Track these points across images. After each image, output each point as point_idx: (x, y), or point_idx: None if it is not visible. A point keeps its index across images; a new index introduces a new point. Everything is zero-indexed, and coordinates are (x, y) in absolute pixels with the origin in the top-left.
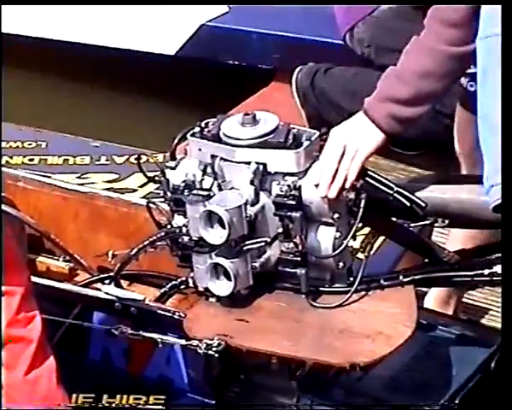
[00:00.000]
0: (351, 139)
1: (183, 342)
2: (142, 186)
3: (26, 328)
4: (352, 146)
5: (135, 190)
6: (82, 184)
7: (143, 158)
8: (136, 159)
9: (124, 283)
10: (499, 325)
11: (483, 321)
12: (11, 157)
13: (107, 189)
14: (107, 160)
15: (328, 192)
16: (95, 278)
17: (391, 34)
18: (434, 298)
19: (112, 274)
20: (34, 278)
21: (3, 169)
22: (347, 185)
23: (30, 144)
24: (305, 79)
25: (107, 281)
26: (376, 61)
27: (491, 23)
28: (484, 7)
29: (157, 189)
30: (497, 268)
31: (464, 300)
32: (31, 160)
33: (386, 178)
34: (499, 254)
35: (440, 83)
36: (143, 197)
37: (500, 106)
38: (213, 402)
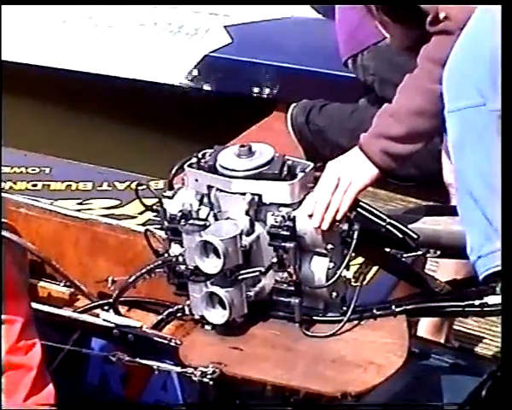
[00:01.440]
0: (345, 172)
1: (178, 369)
2: (141, 213)
3: (26, 355)
4: (345, 179)
5: (134, 217)
6: (83, 210)
7: (144, 186)
8: (136, 186)
9: (123, 309)
10: (492, 353)
11: (477, 349)
12: (15, 183)
13: (108, 215)
14: (108, 186)
15: (321, 223)
16: (93, 305)
17: (395, 69)
18: (427, 325)
19: (110, 300)
20: (34, 305)
21: (6, 195)
22: (339, 217)
23: (34, 170)
24: (300, 116)
25: (106, 307)
26: (379, 93)
27: (461, 95)
28: (446, 78)
29: (156, 216)
30: (488, 299)
31: (458, 328)
32: (34, 185)
33: (378, 210)
34: (490, 285)
35: (433, 121)
36: (143, 224)
37: (481, 179)
38: None
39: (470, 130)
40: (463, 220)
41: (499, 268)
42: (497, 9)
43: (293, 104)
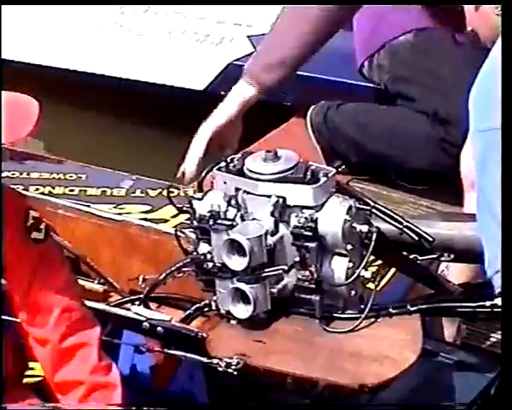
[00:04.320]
0: None
1: (204, 360)
2: (173, 217)
3: (108, 375)
4: None
5: (167, 221)
6: (117, 213)
7: (175, 192)
8: (167, 188)
9: (153, 305)
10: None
11: (484, 347)
12: (54, 187)
13: (142, 219)
14: (141, 192)
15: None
16: (126, 299)
17: (405, 64)
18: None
19: (142, 296)
20: None
21: (45, 197)
22: None
23: (71, 176)
24: (319, 115)
25: (137, 302)
26: (392, 89)
27: (485, 117)
28: (473, 99)
29: (187, 219)
30: (498, 300)
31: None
32: (71, 190)
33: (396, 213)
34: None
35: None
36: (174, 227)
37: (500, 196)
38: None
39: (493, 149)
40: (482, 234)
41: None
42: None
43: (313, 106)
